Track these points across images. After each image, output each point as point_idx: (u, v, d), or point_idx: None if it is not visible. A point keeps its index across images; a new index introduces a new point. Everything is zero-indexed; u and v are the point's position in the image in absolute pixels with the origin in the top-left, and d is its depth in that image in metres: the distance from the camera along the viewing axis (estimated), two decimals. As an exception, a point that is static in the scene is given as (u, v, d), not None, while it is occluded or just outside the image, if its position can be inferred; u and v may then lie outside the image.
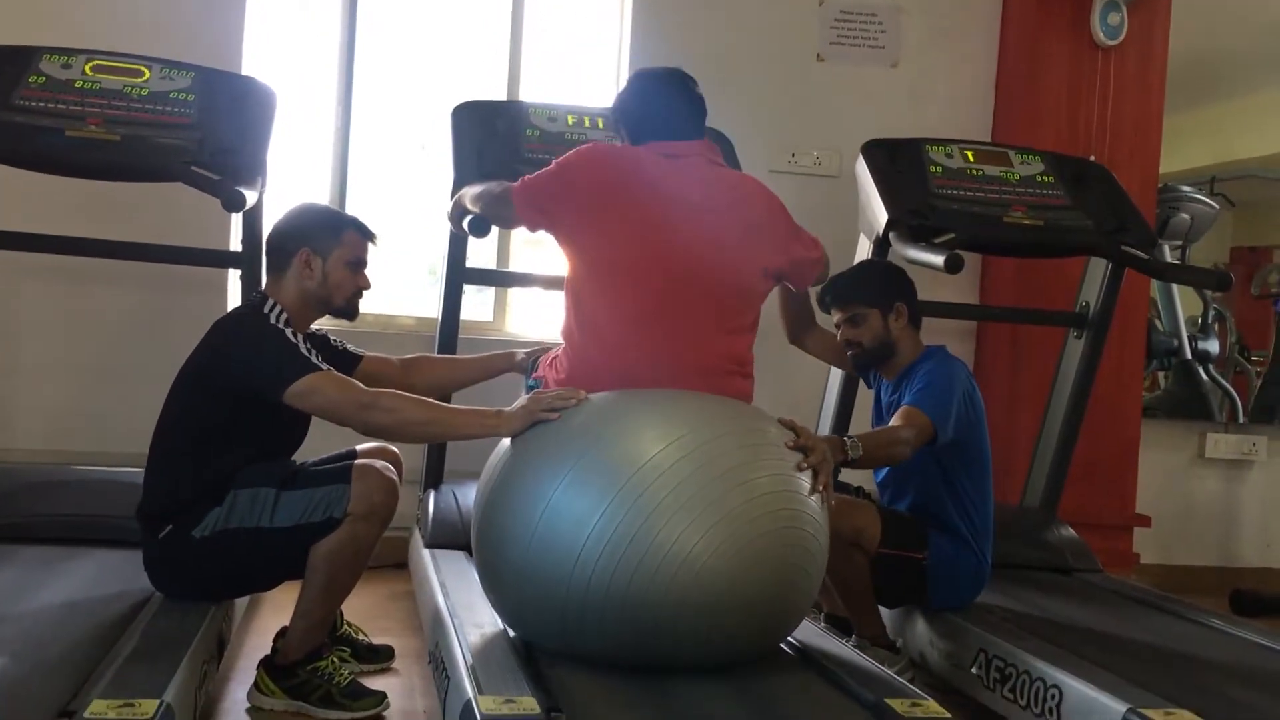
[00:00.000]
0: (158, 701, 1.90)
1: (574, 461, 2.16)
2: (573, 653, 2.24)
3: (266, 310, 2.57)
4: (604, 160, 2.50)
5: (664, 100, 2.58)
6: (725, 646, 2.22)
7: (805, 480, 2.25)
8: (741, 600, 2.14)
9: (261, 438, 2.56)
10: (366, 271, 2.69)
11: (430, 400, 2.50)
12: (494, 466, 2.34)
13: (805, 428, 2.37)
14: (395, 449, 2.81)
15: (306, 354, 2.47)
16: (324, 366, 2.47)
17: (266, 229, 3.17)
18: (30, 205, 3.58)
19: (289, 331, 2.52)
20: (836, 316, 3.06)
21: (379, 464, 2.51)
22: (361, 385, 2.48)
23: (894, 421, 2.80)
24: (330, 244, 2.62)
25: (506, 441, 2.35)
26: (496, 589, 2.34)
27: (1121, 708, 2.23)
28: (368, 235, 2.69)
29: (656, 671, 2.22)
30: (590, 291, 2.45)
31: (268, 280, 2.66)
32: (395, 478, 2.51)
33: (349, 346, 2.82)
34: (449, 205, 2.99)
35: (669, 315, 2.39)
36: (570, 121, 3.64)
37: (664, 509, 2.08)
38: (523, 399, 2.35)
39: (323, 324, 2.80)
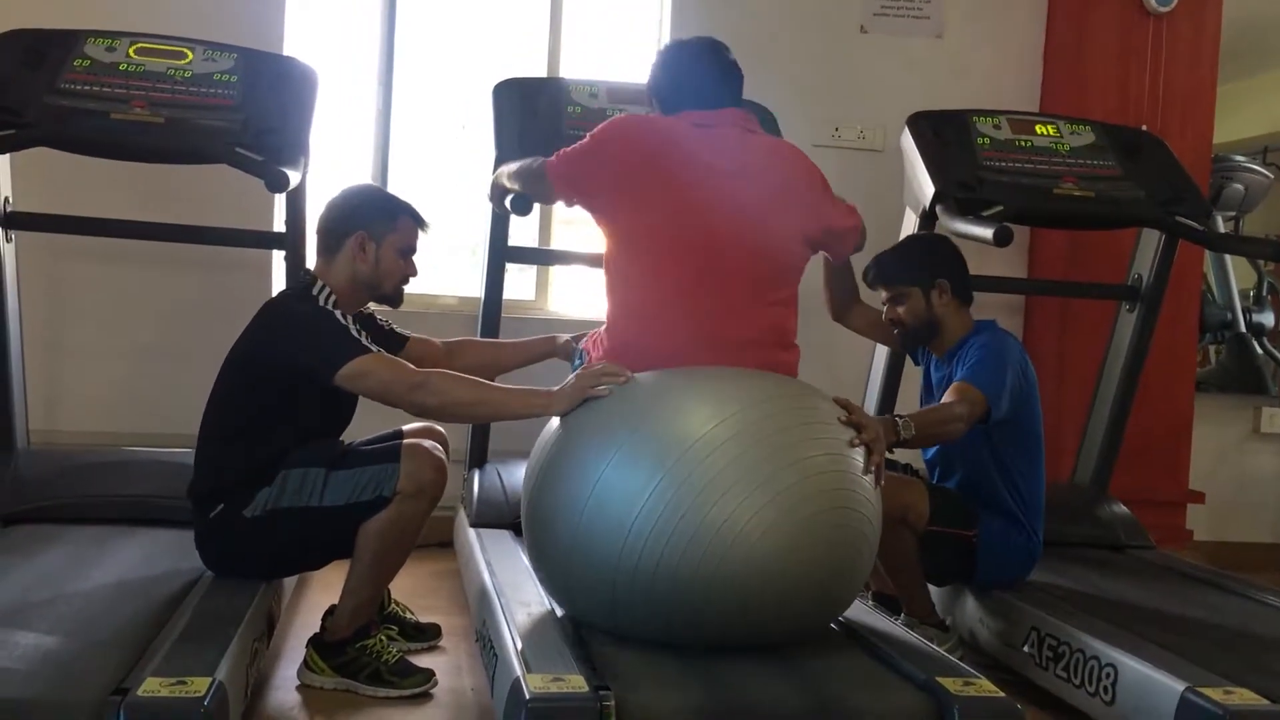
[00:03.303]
0: (210, 679, 1.91)
1: (624, 439, 2.14)
2: (621, 631, 2.24)
3: (316, 292, 2.57)
4: (635, 132, 2.48)
5: (695, 69, 2.56)
6: (774, 627, 2.20)
7: (858, 458, 2.22)
8: (792, 581, 2.12)
9: (311, 418, 2.57)
10: (415, 259, 2.69)
11: (479, 380, 2.49)
12: (543, 445, 2.33)
13: (857, 406, 2.33)
14: (441, 429, 2.81)
15: (357, 336, 2.49)
16: (374, 349, 2.48)
17: (310, 210, 3.19)
18: (76, 188, 3.62)
19: (339, 314, 2.53)
20: (882, 295, 3.02)
21: (428, 443, 2.51)
22: (411, 366, 2.48)
23: (946, 398, 2.76)
24: (385, 229, 2.62)
25: (556, 420, 2.34)
26: (546, 567, 2.34)
27: (1180, 686, 2.20)
28: (421, 223, 2.69)
29: (704, 650, 2.20)
30: (627, 267, 2.45)
31: (318, 262, 2.65)
32: (444, 457, 2.51)
33: (395, 327, 2.83)
34: (488, 185, 2.98)
35: (707, 287, 2.37)
36: (611, 97, 3.61)
37: (714, 487, 2.05)
38: (570, 378, 2.34)
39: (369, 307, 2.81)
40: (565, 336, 2.88)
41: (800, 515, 2.09)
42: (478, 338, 3.09)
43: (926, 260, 3.00)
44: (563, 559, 2.23)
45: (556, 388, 2.33)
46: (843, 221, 2.63)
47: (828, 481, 2.14)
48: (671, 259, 2.38)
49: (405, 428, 2.82)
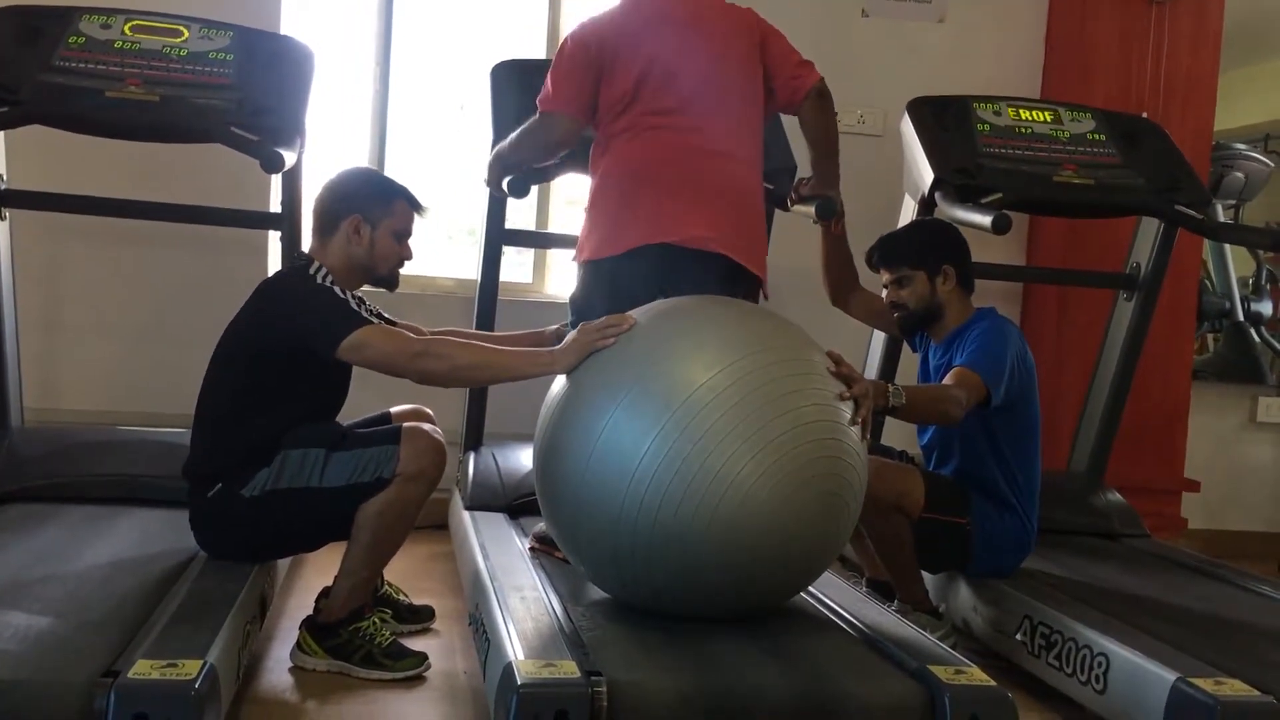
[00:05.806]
0: (201, 662, 1.91)
1: (629, 387, 2.18)
2: (624, 585, 2.31)
3: (312, 272, 2.57)
4: (585, 29, 2.75)
5: None
6: (765, 573, 2.24)
7: (846, 411, 2.26)
8: (784, 526, 2.16)
9: (307, 398, 2.57)
10: (410, 242, 2.69)
11: (481, 344, 2.54)
12: (552, 399, 2.36)
13: (846, 361, 2.37)
14: (429, 412, 2.82)
15: (355, 309, 2.50)
16: (373, 320, 2.49)
17: (306, 190, 3.18)
18: (73, 167, 3.60)
19: (337, 289, 2.53)
20: (884, 277, 3.01)
21: (428, 426, 2.53)
22: (410, 335, 2.49)
23: (946, 382, 2.75)
24: (381, 213, 2.61)
25: (561, 378, 2.35)
26: (555, 513, 2.36)
27: (1171, 676, 2.20)
28: (417, 207, 2.68)
29: (696, 634, 2.22)
30: (616, 124, 2.71)
31: (313, 243, 2.65)
32: (443, 440, 2.51)
33: (382, 313, 2.82)
34: (485, 171, 2.97)
35: (685, 114, 2.67)
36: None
37: (714, 433, 2.10)
38: (572, 334, 2.35)
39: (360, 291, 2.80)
40: (552, 327, 2.88)
41: (792, 463, 2.15)
42: (467, 328, 3.08)
43: (934, 245, 2.99)
44: (571, 503, 2.26)
45: (559, 346, 2.36)
46: (791, 52, 2.83)
47: (819, 431, 2.20)
48: (642, 110, 2.67)
49: (392, 410, 2.82)
